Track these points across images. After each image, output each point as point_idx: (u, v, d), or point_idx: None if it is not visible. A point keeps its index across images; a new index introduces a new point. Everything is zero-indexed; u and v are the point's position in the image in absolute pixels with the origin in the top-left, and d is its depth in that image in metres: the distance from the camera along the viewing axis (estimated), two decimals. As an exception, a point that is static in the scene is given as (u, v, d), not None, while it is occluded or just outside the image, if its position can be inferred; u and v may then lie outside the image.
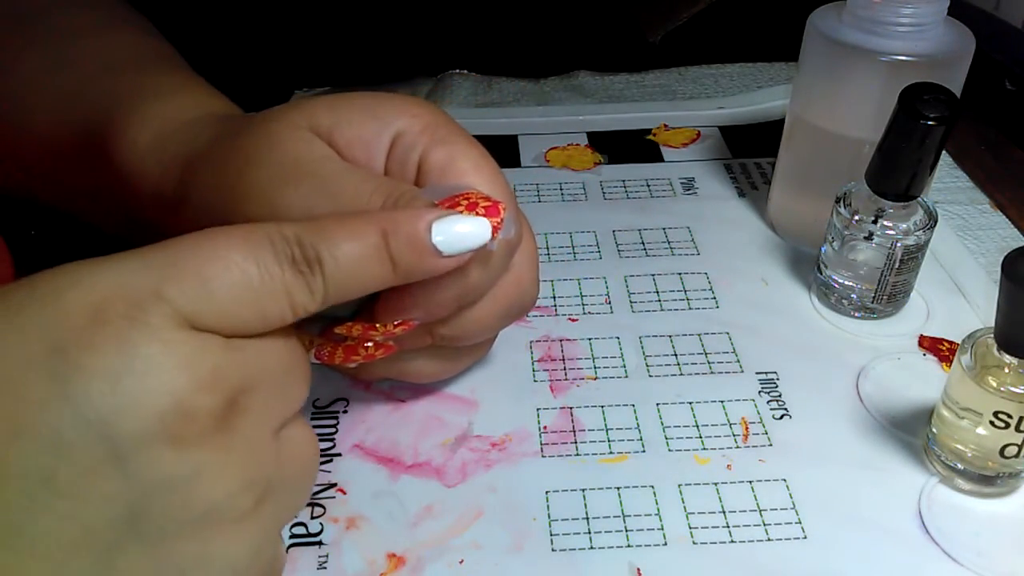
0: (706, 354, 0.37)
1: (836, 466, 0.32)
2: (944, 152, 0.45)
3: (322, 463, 0.33)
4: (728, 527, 0.30)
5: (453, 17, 0.59)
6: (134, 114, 0.33)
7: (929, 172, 0.35)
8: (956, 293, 0.41)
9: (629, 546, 0.30)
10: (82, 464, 0.19)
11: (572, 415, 0.35)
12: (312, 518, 0.31)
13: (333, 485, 0.32)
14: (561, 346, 0.38)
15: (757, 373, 0.36)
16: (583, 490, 0.32)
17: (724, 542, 0.30)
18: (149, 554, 0.20)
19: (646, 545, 0.30)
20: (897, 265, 0.36)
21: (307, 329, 0.29)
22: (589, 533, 0.30)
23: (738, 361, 0.37)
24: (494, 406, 0.35)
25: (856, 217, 0.36)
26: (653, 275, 0.42)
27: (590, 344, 0.38)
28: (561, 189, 0.49)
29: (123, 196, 0.33)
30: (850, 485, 0.32)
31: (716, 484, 0.32)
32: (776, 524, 0.30)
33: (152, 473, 0.20)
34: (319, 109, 0.29)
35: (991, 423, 0.29)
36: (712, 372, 0.36)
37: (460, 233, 0.25)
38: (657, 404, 0.35)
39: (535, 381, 0.36)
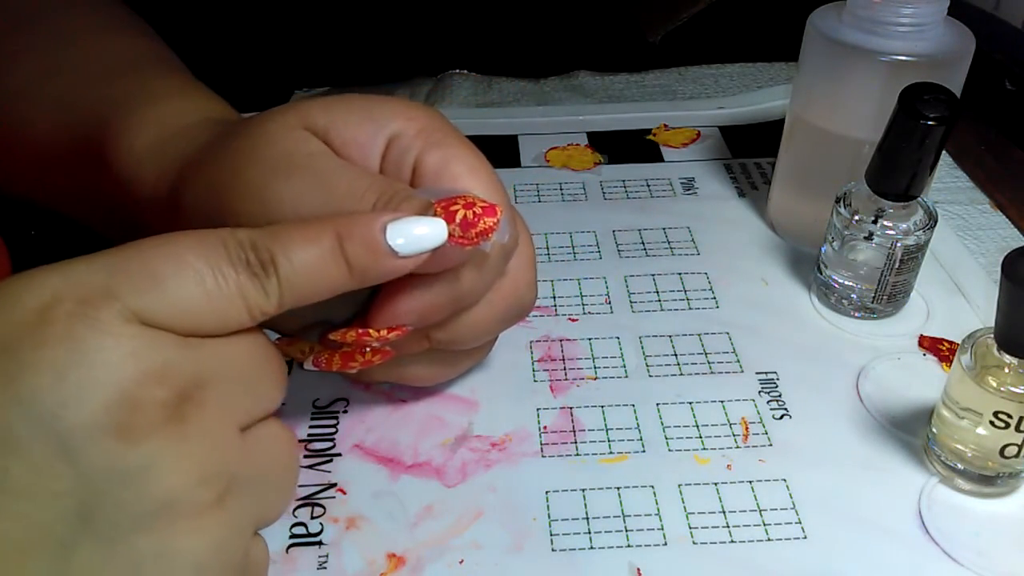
0: (706, 354, 0.37)
1: (836, 466, 0.32)
2: (944, 152, 0.45)
3: (322, 463, 0.33)
4: (728, 527, 0.30)
5: (453, 17, 0.59)
6: (131, 119, 0.33)
7: (929, 172, 0.35)
8: (956, 293, 0.41)
9: (629, 546, 0.30)
10: (32, 461, 0.19)
11: (572, 415, 0.35)
12: (312, 518, 0.31)
13: (333, 485, 0.32)
14: (561, 346, 0.38)
15: (757, 373, 0.36)
16: (583, 490, 0.32)
17: (724, 542, 0.30)
18: (105, 550, 0.20)
19: (646, 545, 0.30)
20: (897, 265, 0.36)
21: (306, 337, 0.29)
22: (589, 533, 0.30)
23: (738, 361, 0.37)
24: (494, 406, 0.35)
25: (856, 217, 0.36)
26: (653, 275, 0.42)
27: (590, 344, 0.38)
28: (561, 189, 0.49)
29: (120, 200, 0.33)
30: (850, 485, 0.32)
31: (716, 484, 0.32)
32: (776, 524, 0.30)
33: (102, 466, 0.19)
34: (315, 109, 0.29)
35: (991, 423, 0.29)
36: (712, 372, 0.36)
37: (418, 235, 0.25)
38: (657, 404, 0.35)
39: (535, 381, 0.36)
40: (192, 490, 0.21)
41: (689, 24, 0.60)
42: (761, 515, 0.31)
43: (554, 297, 0.41)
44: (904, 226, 0.36)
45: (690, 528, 0.30)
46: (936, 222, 0.36)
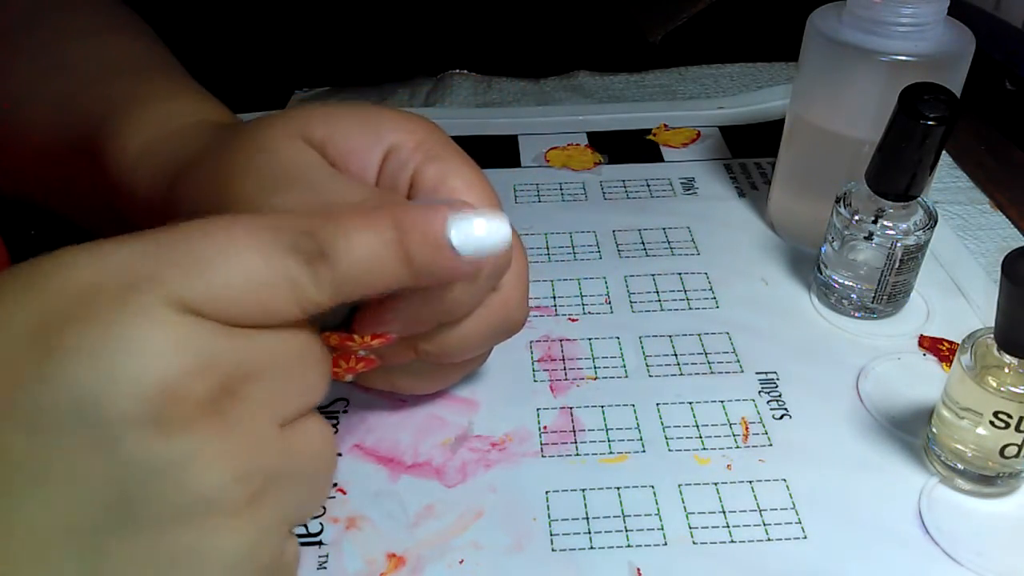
0: (706, 354, 0.37)
1: (836, 466, 0.32)
2: (944, 152, 0.45)
3: (322, 463, 0.33)
4: (728, 527, 0.30)
5: (453, 17, 0.59)
6: (126, 122, 0.33)
7: (929, 172, 0.35)
8: (956, 293, 0.41)
9: (629, 546, 0.30)
10: (67, 448, 0.18)
11: (572, 415, 0.35)
12: (312, 518, 0.31)
13: (333, 485, 0.32)
14: (561, 346, 0.38)
15: (757, 373, 0.36)
16: (583, 490, 0.32)
17: (724, 542, 0.30)
18: (137, 543, 0.19)
19: (646, 545, 0.30)
20: (897, 265, 0.36)
21: None
22: (589, 533, 0.30)
23: (738, 361, 0.37)
24: (494, 406, 0.35)
25: (856, 217, 0.36)
26: (653, 275, 0.42)
27: (590, 344, 0.38)
28: (561, 189, 0.49)
29: (115, 202, 0.33)
30: (850, 485, 0.32)
31: (716, 484, 0.32)
32: (776, 524, 0.30)
33: (138, 458, 0.19)
34: (313, 119, 0.29)
35: (991, 423, 0.29)
36: (712, 372, 0.36)
37: (479, 236, 0.24)
38: (657, 404, 0.35)
39: (535, 381, 0.36)
40: (229, 487, 0.20)
41: (689, 24, 0.60)
42: (761, 515, 0.31)
43: (554, 297, 0.41)
44: (904, 226, 0.36)
45: (690, 528, 0.30)
46: (936, 222, 0.36)
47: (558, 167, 0.50)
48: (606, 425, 0.34)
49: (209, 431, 0.20)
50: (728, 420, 0.34)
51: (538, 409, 0.35)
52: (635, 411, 0.35)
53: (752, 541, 0.30)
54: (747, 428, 0.34)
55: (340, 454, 0.33)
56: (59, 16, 0.39)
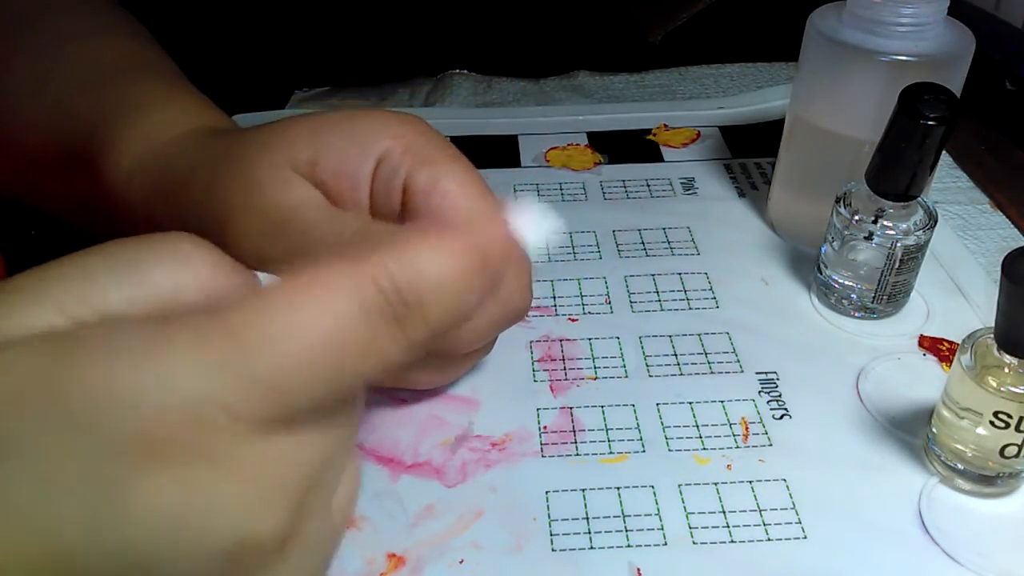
0: (706, 354, 0.37)
1: (836, 466, 0.32)
2: (944, 152, 0.45)
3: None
4: (728, 527, 0.30)
5: (453, 17, 0.59)
6: (118, 134, 0.32)
7: (929, 172, 0.35)
8: (956, 293, 0.41)
9: (629, 546, 0.30)
10: None
11: (572, 415, 0.35)
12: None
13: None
14: (561, 346, 0.38)
15: (757, 373, 0.36)
16: (583, 490, 0.32)
17: (724, 542, 0.30)
18: None
19: (646, 545, 0.30)
20: (897, 265, 0.36)
21: None
22: (589, 533, 0.30)
23: (738, 361, 0.37)
24: (494, 406, 0.35)
25: (856, 217, 0.36)
26: (653, 275, 0.42)
27: (590, 344, 0.38)
28: (561, 189, 0.49)
29: (111, 211, 0.33)
30: (850, 485, 0.32)
31: (716, 484, 0.32)
32: (776, 524, 0.30)
33: None
34: (299, 141, 0.28)
35: (991, 423, 0.29)
36: (712, 372, 0.36)
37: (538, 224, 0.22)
38: (657, 404, 0.35)
39: (535, 381, 0.36)
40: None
41: (689, 24, 0.60)
42: (761, 515, 0.31)
43: (554, 297, 0.41)
44: (904, 226, 0.36)
45: (690, 528, 0.30)
46: (936, 222, 0.36)
47: (558, 167, 0.50)
48: (606, 425, 0.34)
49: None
50: (728, 420, 0.34)
51: (538, 409, 0.35)
52: (635, 411, 0.35)
53: (752, 541, 0.30)
54: (747, 428, 0.34)
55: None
56: (52, 18, 0.39)
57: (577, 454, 0.33)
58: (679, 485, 0.32)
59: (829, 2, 0.40)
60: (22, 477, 0.15)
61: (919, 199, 0.36)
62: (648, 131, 0.54)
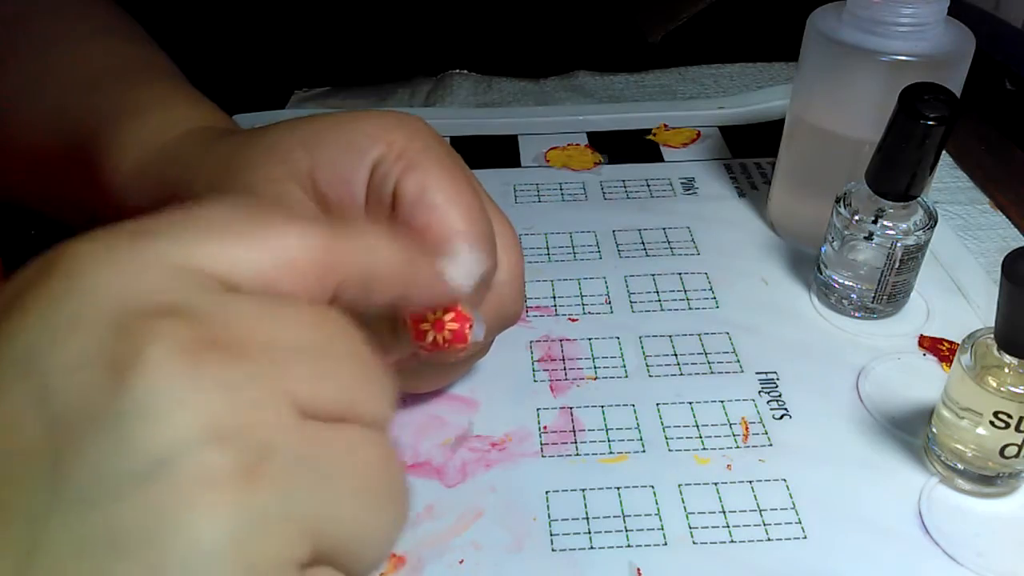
0: (706, 354, 0.37)
1: (836, 466, 0.32)
2: (944, 152, 0.45)
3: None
4: (728, 527, 0.30)
5: (453, 17, 0.59)
6: (116, 136, 0.32)
7: (929, 172, 0.35)
8: (956, 293, 0.41)
9: (629, 546, 0.30)
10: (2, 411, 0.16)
11: (572, 415, 0.35)
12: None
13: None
14: (561, 346, 0.38)
15: (757, 373, 0.36)
16: (583, 490, 0.32)
17: (724, 542, 0.30)
18: (79, 523, 0.15)
19: (646, 545, 0.30)
20: (897, 265, 0.36)
21: None
22: (589, 533, 0.30)
23: (738, 361, 0.37)
24: (494, 406, 0.35)
25: (856, 217, 0.36)
26: (653, 275, 0.42)
27: (590, 344, 0.38)
28: (561, 189, 0.49)
29: (110, 213, 0.33)
30: (850, 485, 0.32)
31: (716, 484, 0.32)
32: (776, 524, 0.30)
33: (80, 408, 0.15)
34: (295, 153, 0.28)
35: (991, 423, 0.29)
36: (712, 372, 0.36)
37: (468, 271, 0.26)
38: (657, 404, 0.35)
39: (535, 381, 0.36)
40: (201, 447, 0.15)
41: (689, 24, 0.60)
42: (761, 515, 0.31)
43: (554, 297, 0.41)
44: (904, 226, 0.36)
45: (690, 528, 0.30)
46: (936, 222, 0.36)
47: (558, 167, 0.50)
48: (606, 425, 0.34)
49: (178, 376, 0.16)
50: (728, 420, 0.34)
51: (538, 409, 0.35)
52: (635, 411, 0.35)
53: (752, 541, 0.30)
54: (747, 428, 0.34)
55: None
56: (50, 19, 0.39)
57: (577, 454, 0.33)
58: (679, 485, 0.32)
59: (829, 2, 0.40)
60: None
61: (919, 199, 0.36)
62: (648, 131, 0.54)
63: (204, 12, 0.56)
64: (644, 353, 0.37)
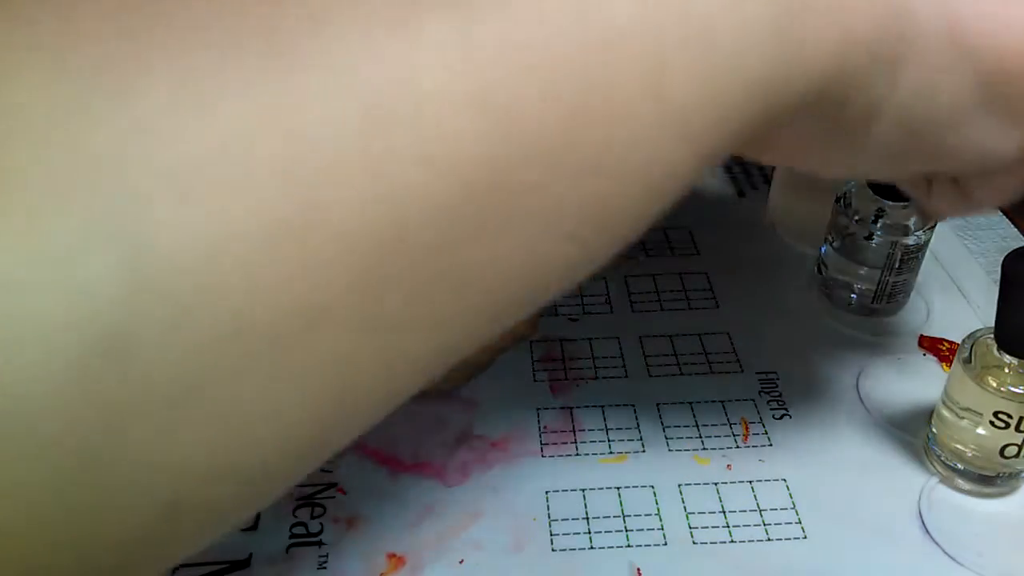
0: (706, 354, 0.37)
1: (836, 466, 0.32)
2: (944, 152, 0.44)
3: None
4: (728, 527, 0.30)
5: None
6: None
7: (929, 172, 0.35)
8: (956, 293, 0.41)
9: (629, 546, 0.30)
10: None
11: (572, 415, 0.35)
12: (312, 518, 0.31)
13: (333, 485, 0.32)
14: (561, 346, 0.38)
15: (757, 373, 0.36)
16: (583, 490, 0.32)
17: (724, 542, 0.30)
18: None
19: (646, 545, 0.30)
20: (897, 265, 0.36)
21: None
22: (589, 533, 0.30)
23: (738, 361, 0.37)
24: (494, 406, 0.35)
25: (856, 217, 0.36)
26: (653, 275, 0.42)
27: (590, 344, 0.38)
28: (561, 189, 0.48)
29: None
30: (850, 485, 0.32)
31: (716, 484, 0.32)
32: (776, 524, 0.30)
33: None
34: None
35: (991, 423, 0.29)
36: (712, 372, 0.36)
37: None
38: (657, 404, 0.35)
39: (535, 381, 0.36)
40: None
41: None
42: (761, 515, 0.31)
43: (554, 297, 0.41)
44: (904, 226, 0.36)
45: (690, 528, 0.30)
46: (936, 222, 0.36)
47: (558, 167, 0.50)
48: (606, 425, 0.34)
49: None
50: (728, 420, 0.34)
51: (538, 409, 0.35)
52: (635, 411, 0.35)
53: (752, 541, 0.30)
54: (747, 428, 0.34)
55: (340, 454, 0.33)
56: None
57: (577, 454, 0.33)
58: (679, 485, 0.32)
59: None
60: None
61: (919, 199, 0.36)
62: (648, 131, 0.54)
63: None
64: (644, 353, 0.37)
